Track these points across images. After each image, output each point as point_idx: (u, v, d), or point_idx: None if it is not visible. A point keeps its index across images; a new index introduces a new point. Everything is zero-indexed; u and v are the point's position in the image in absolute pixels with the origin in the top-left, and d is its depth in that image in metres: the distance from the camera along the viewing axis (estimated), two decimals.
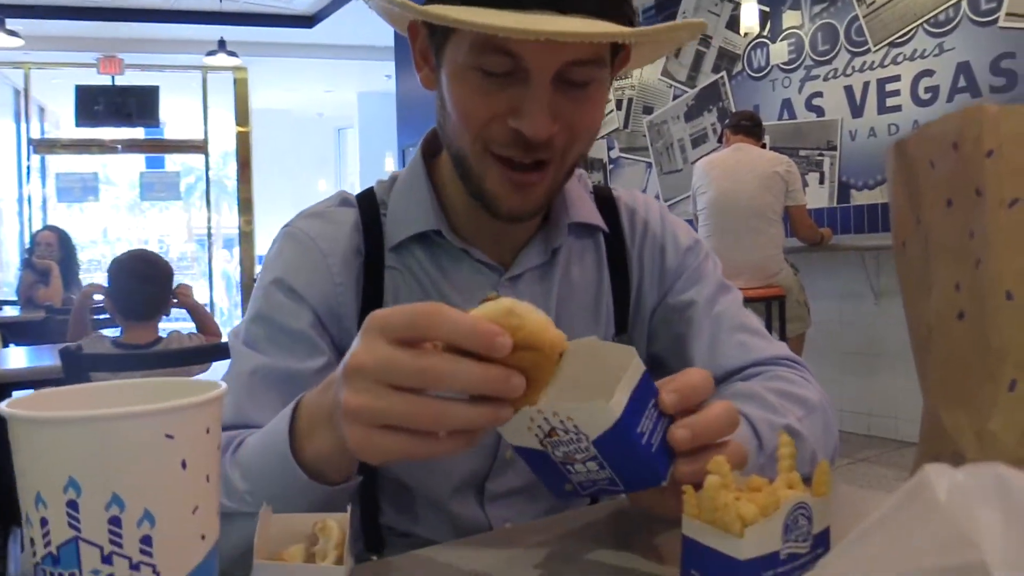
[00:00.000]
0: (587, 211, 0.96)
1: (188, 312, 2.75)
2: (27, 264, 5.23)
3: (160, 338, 2.49)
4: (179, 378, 0.48)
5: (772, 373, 0.89)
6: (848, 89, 4.88)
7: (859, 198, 4.84)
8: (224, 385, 0.43)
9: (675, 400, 0.58)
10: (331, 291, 0.86)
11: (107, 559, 0.40)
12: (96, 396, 0.46)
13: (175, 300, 2.59)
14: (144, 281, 2.56)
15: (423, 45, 0.84)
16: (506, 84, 0.76)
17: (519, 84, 0.75)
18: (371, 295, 0.88)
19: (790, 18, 5.19)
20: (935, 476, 0.33)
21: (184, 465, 0.41)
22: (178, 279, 2.81)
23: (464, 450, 0.54)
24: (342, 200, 0.93)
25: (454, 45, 0.77)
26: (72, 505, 0.39)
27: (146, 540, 0.40)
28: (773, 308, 4.00)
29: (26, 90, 9.00)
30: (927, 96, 4.48)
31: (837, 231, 4.76)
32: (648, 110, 6.17)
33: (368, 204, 0.92)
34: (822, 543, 0.52)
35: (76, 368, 1.72)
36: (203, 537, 0.43)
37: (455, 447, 0.53)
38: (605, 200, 1.00)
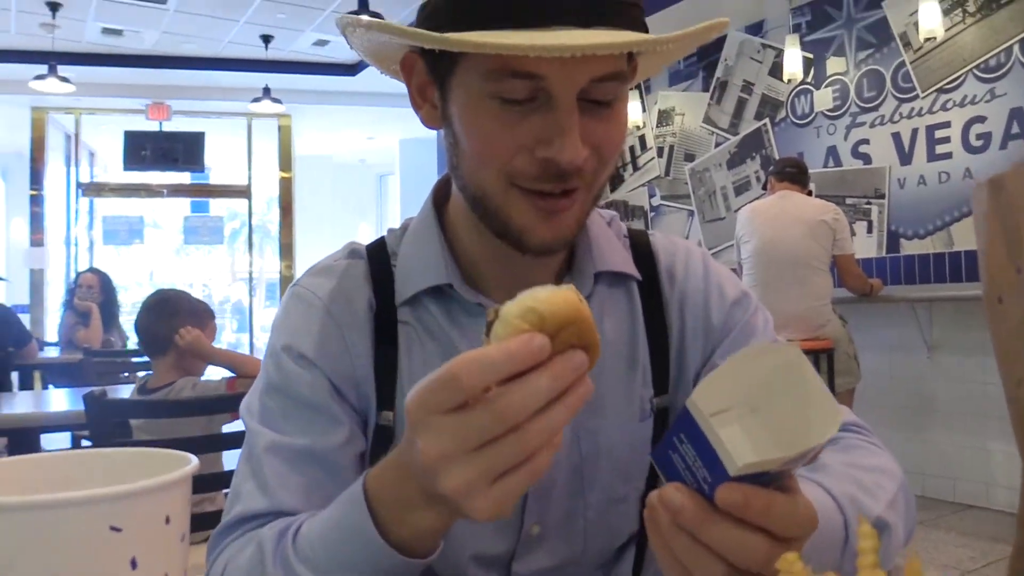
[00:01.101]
0: (617, 258, 0.87)
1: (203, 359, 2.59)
2: (68, 306, 5.28)
3: (172, 382, 2.41)
4: (153, 450, 0.41)
5: (844, 443, 0.78)
6: (896, 136, 4.76)
7: (909, 247, 4.69)
8: (195, 461, 0.36)
9: (735, 503, 0.49)
10: (344, 354, 0.81)
11: None
12: (46, 471, 0.39)
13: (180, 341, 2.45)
14: (147, 311, 2.51)
15: (421, 80, 0.78)
16: (528, 111, 0.70)
17: (542, 110, 0.69)
18: (386, 355, 0.82)
19: (834, 64, 5.11)
20: None
21: (134, 564, 0.33)
22: (219, 323, 2.74)
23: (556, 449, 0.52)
24: (351, 252, 0.88)
25: (463, 74, 0.71)
26: None
27: None
28: (821, 361, 3.84)
29: (76, 135, 9.24)
30: (979, 143, 4.35)
31: (887, 281, 4.60)
32: (690, 157, 6.10)
33: (378, 255, 0.87)
34: None
35: (98, 414, 1.67)
36: None
37: (553, 452, 0.52)
38: (641, 246, 0.91)
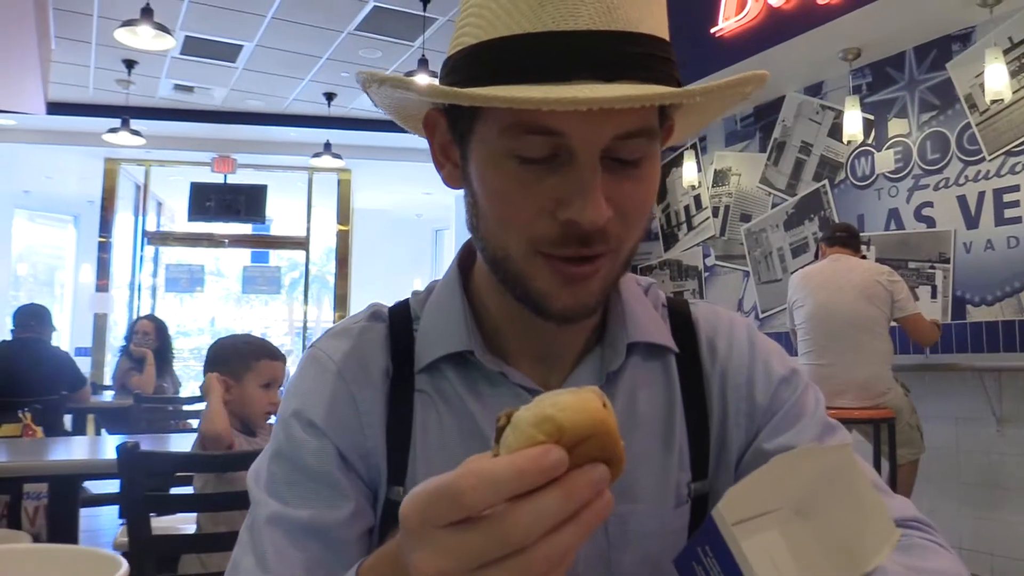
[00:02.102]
0: (653, 329, 0.81)
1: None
2: (124, 351, 5.39)
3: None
4: (87, 550, 0.37)
5: (905, 541, 0.70)
6: (961, 199, 4.61)
7: (976, 314, 4.50)
8: (124, 567, 0.32)
9: None
10: (356, 424, 0.76)
11: None
12: None
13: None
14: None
15: (443, 139, 0.75)
16: (548, 171, 0.65)
17: (563, 169, 0.65)
18: (399, 426, 0.77)
19: (896, 126, 5.01)
20: None
21: None
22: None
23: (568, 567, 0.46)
24: (372, 314, 0.84)
25: (482, 132, 0.68)
26: None
27: None
28: (882, 431, 3.67)
29: (145, 185, 9.58)
30: None
31: (952, 349, 4.42)
32: (746, 218, 6.01)
33: (400, 319, 0.83)
34: None
35: (129, 466, 1.66)
36: None
37: (564, 569, 0.45)
38: (680, 316, 0.85)
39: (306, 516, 0.71)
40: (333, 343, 0.81)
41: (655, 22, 0.67)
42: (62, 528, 2.41)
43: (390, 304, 0.87)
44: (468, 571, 0.44)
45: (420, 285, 0.91)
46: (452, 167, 0.75)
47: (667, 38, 0.68)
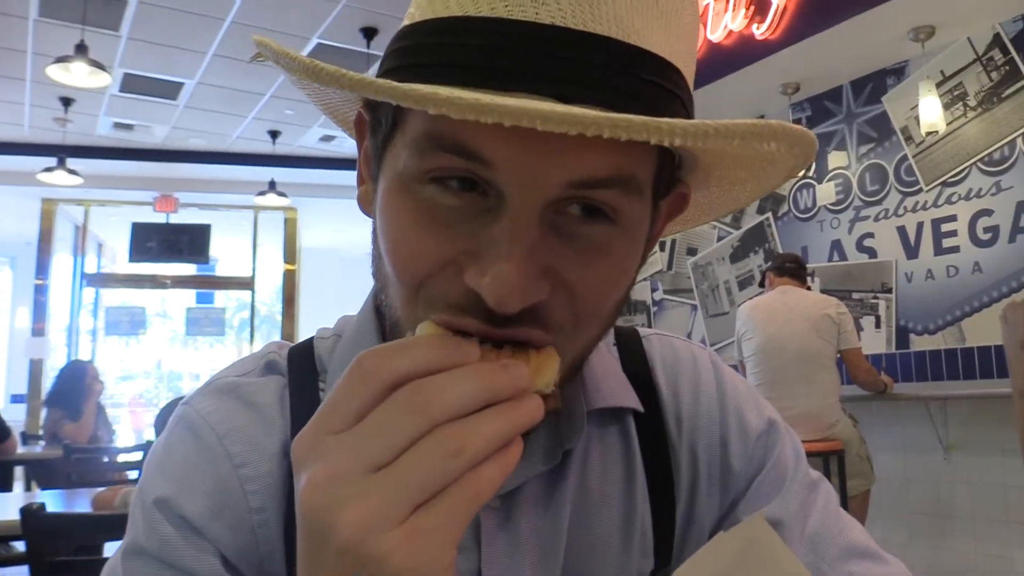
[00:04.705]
0: (615, 387, 0.65)
1: None
2: (51, 397, 5.16)
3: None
4: None
5: None
6: (901, 230, 4.69)
7: (920, 343, 4.55)
8: None
9: None
10: (246, 521, 0.58)
11: None
12: None
13: None
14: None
15: (368, 150, 0.57)
16: (467, 211, 0.47)
17: (487, 216, 0.46)
18: None
19: (836, 159, 5.09)
20: None
21: None
22: None
23: (512, 469, 0.38)
24: (268, 364, 0.65)
25: (397, 148, 0.50)
26: None
27: None
28: (832, 463, 3.66)
29: (85, 226, 9.32)
30: (987, 236, 4.27)
31: (898, 378, 4.44)
32: (692, 251, 6.04)
33: (303, 374, 0.64)
34: None
35: (34, 531, 1.54)
36: None
37: (504, 470, 0.38)
38: (634, 359, 0.69)
39: None
40: (215, 405, 0.61)
41: (667, 39, 0.48)
42: None
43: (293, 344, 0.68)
44: (371, 468, 0.36)
45: None
46: (370, 184, 0.56)
47: (682, 68, 0.49)
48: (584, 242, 0.47)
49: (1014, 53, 4.19)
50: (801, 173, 5.04)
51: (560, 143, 0.42)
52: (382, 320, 0.62)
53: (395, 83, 0.42)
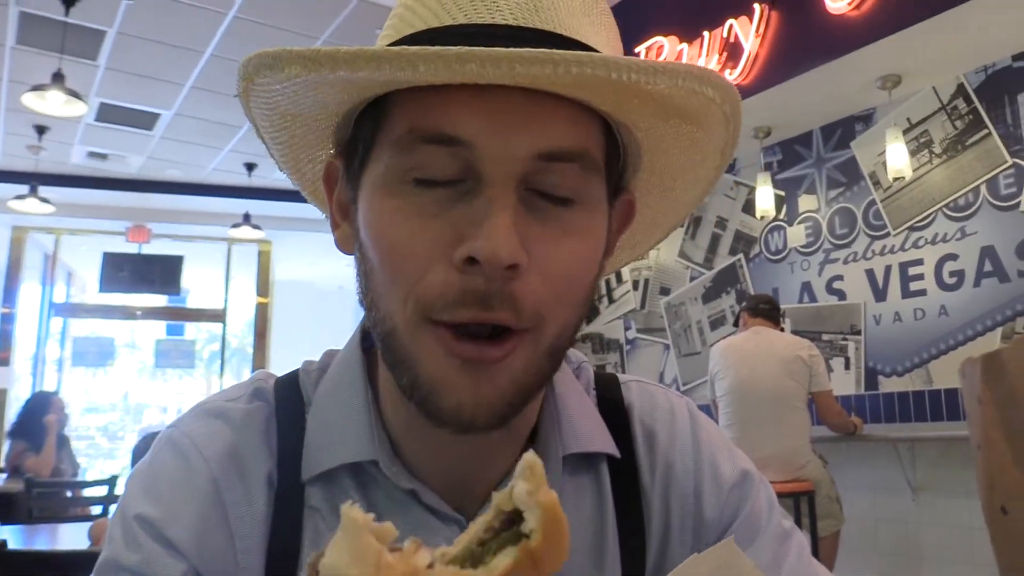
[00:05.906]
0: (593, 432, 0.67)
1: None
2: (15, 429, 5.05)
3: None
4: None
5: None
6: (869, 272, 4.78)
7: (888, 385, 4.61)
8: None
9: None
10: (228, 550, 0.58)
11: None
12: None
13: None
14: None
15: (341, 193, 0.63)
16: (451, 200, 0.53)
17: (469, 198, 0.52)
18: (283, 555, 0.59)
19: (806, 202, 5.19)
20: None
21: None
22: None
23: None
24: (256, 392, 0.66)
25: (376, 160, 0.56)
26: None
27: None
28: (802, 504, 3.68)
29: (55, 255, 9.19)
30: (952, 280, 4.36)
31: (867, 419, 4.50)
32: (665, 291, 6.10)
33: (289, 404, 0.65)
34: None
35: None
36: None
37: None
38: (612, 407, 0.71)
39: None
40: (204, 428, 0.63)
41: (600, 39, 0.58)
42: None
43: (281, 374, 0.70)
44: None
45: None
46: (348, 225, 0.62)
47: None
48: (554, 221, 0.54)
49: (977, 103, 4.33)
50: (772, 215, 5.13)
51: (526, 115, 0.52)
52: (368, 356, 0.65)
53: (384, 47, 0.49)
